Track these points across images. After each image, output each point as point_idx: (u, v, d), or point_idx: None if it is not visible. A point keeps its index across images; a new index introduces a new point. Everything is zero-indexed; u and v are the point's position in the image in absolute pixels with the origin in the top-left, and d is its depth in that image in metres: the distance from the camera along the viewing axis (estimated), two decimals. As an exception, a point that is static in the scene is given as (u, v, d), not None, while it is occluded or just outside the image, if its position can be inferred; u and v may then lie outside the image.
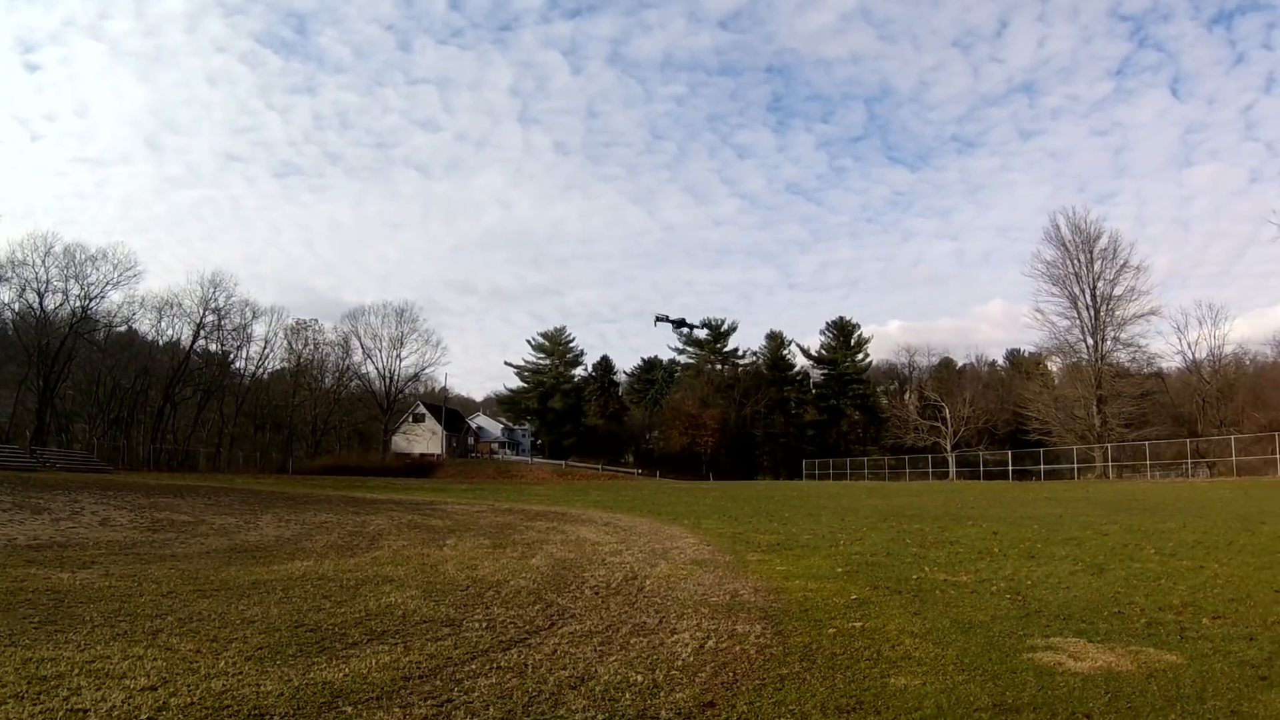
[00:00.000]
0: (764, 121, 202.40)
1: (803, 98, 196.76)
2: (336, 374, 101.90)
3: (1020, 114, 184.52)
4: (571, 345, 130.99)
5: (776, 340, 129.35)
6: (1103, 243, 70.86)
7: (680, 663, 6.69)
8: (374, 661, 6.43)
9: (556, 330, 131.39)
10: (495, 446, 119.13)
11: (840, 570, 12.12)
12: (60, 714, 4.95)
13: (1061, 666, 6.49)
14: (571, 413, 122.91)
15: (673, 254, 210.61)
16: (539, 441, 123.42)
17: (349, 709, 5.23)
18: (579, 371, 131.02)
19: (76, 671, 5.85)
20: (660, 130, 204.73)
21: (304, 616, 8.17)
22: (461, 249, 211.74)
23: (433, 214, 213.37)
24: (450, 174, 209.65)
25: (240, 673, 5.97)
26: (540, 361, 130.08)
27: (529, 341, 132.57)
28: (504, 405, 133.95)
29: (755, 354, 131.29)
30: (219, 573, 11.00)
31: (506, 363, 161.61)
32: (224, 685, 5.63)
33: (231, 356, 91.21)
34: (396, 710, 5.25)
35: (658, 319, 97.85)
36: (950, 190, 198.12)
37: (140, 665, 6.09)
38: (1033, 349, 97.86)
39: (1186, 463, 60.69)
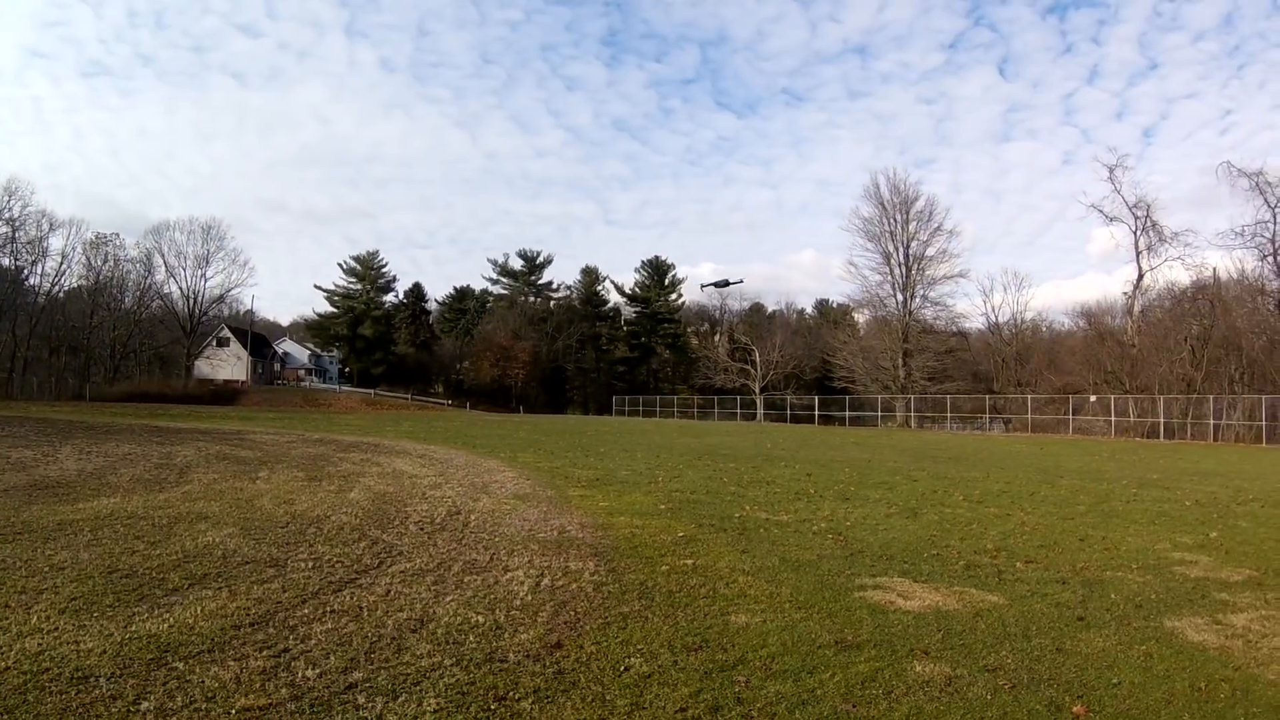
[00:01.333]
0: (597, 55, 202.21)
1: (638, 35, 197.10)
2: (138, 293, 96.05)
3: (851, 74, 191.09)
4: (384, 270, 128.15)
5: (591, 276, 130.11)
6: (919, 205, 74.96)
7: (519, 602, 6.65)
8: (199, 609, 6.09)
9: (369, 254, 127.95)
10: (302, 373, 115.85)
11: (663, 507, 12.29)
12: None
13: (893, 605, 6.78)
14: (381, 340, 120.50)
15: (493, 182, 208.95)
16: (347, 369, 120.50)
17: (179, 664, 4.94)
18: (390, 298, 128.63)
19: None
20: (491, 55, 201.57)
21: (117, 560, 7.69)
22: (276, 165, 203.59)
23: (247, 126, 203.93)
24: (269, 84, 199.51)
25: (56, 629, 5.54)
26: (351, 286, 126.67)
27: (340, 265, 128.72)
28: (312, 330, 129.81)
29: (570, 288, 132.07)
30: (20, 513, 10.22)
31: (316, 286, 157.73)
32: (40, 644, 5.22)
33: (25, 272, 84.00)
34: (231, 664, 4.99)
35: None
36: (775, 140, 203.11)
37: (-56, 626, 5.57)
38: (843, 300, 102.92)
39: (985, 417, 64.70)
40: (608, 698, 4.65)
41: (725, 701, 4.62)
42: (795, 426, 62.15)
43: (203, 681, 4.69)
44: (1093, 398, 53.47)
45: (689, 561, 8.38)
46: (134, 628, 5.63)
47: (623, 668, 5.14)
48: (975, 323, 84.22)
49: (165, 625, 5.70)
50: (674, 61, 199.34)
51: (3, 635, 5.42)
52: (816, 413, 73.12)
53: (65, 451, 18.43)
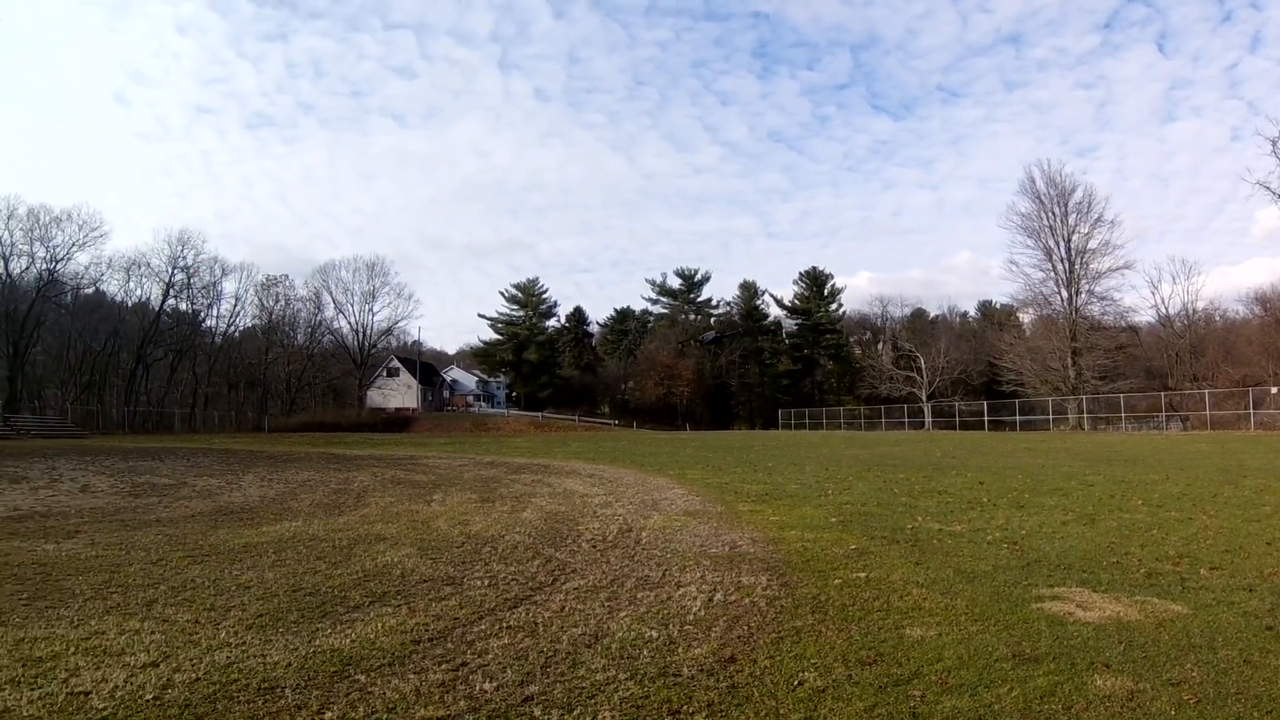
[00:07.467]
0: (748, 68, 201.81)
1: (788, 44, 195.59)
2: (309, 330, 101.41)
3: (1006, 65, 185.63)
4: (545, 296, 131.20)
5: (750, 290, 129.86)
6: (1077, 196, 71.70)
7: (692, 617, 6.58)
8: (380, 625, 6.26)
9: (529, 281, 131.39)
10: (470, 399, 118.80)
11: (834, 520, 12.05)
12: (61, 698, 4.71)
13: (1072, 616, 6.44)
14: (546, 364, 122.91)
15: (652, 203, 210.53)
16: (514, 394, 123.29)
17: (362, 677, 5.06)
18: (552, 323, 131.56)
19: (72, 650, 5.60)
20: (643, 76, 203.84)
21: (300, 579, 7.99)
22: (437, 200, 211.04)
23: (408, 165, 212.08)
24: (427, 123, 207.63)
25: (244, 643, 5.77)
26: (514, 313, 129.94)
27: (502, 293, 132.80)
28: (478, 358, 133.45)
29: (729, 304, 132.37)
30: (207, 536, 10.77)
31: (480, 315, 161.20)
32: (228, 657, 5.44)
33: (202, 315, 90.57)
34: (411, 676, 5.08)
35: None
36: (933, 140, 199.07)
37: (138, 640, 5.87)
38: (1005, 300, 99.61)
39: (1160, 415, 61.55)
40: (781, 712, 4.54)
41: (900, 716, 4.46)
42: (964, 433, 60.50)
43: (384, 693, 4.79)
44: (1274, 389, 50.54)
45: (862, 575, 8.17)
46: (318, 642, 5.81)
47: (796, 682, 5.01)
48: (1145, 316, 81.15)
49: (347, 640, 5.86)
50: (826, 68, 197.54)
51: (194, 649, 5.65)
52: (985, 418, 71.04)
53: (247, 479, 19.40)
